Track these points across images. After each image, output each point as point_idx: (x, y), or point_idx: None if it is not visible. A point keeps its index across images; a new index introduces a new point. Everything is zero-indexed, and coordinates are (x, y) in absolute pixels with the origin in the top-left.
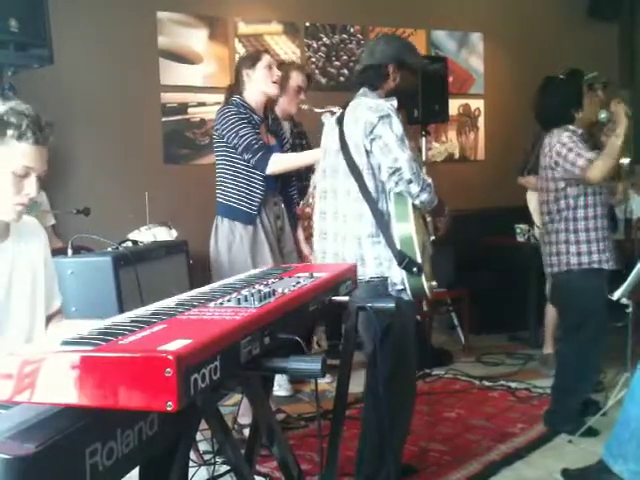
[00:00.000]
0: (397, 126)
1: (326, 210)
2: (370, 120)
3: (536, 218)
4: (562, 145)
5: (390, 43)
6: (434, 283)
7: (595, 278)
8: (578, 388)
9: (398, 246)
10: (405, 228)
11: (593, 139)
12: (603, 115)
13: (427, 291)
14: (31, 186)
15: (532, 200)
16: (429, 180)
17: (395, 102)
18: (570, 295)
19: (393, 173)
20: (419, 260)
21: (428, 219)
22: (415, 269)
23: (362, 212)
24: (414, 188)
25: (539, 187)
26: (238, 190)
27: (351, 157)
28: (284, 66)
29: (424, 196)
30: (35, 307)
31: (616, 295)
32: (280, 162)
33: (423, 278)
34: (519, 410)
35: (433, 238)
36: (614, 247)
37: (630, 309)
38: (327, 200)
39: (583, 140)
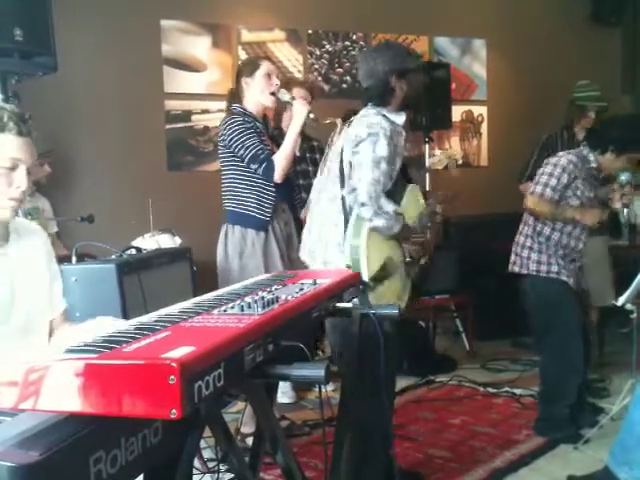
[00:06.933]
0: (381, 147)
1: (314, 207)
2: (360, 134)
3: None
4: (555, 165)
5: (384, 56)
6: (402, 304)
7: (558, 287)
8: (559, 394)
9: (348, 261)
10: (356, 244)
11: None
12: (623, 177)
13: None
14: (21, 178)
15: None
16: (389, 209)
17: (402, 117)
18: (535, 301)
19: (351, 192)
20: (365, 278)
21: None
22: (361, 286)
23: (337, 221)
24: (366, 213)
25: None
26: (250, 197)
27: (342, 166)
28: (284, 84)
29: (378, 222)
30: (38, 309)
31: (620, 301)
32: (280, 161)
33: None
34: (524, 417)
35: (409, 259)
36: (575, 270)
37: (634, 315)
38: (320, 196)
39: (588, 173)
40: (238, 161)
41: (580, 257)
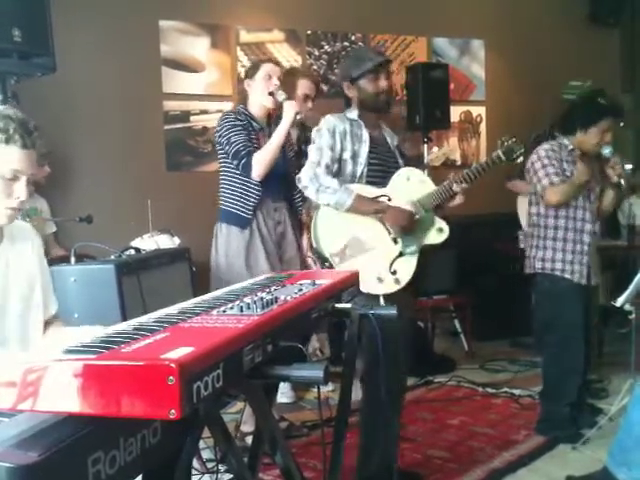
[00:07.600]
0: (324, 137)
1: None
2: (313, 136)
3: (523, 222)
4: (538, 158)
5: (339, 67)
6: (391, 277)
7: (563, 285)
8: (559, 393)
9: (314, 243)
10: (316, 226)
11: (598, 167)
12: (607, 151)
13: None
14: (21, 190)
15: (520, 204)
16: (330, 183)
17: (354, 112)
18: (539, 297)
19: (298, 181)
20: (327, 255)
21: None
22: (327, 264)
23: None
24: (309, 192)
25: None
26: (233, 194)
27: None
28: (290, 74)
29: (324, 199)
30: (31, 311)
31: (619, 301)
32: (260, 160)
33: None
34: (523, 417)
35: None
36: (587, 264)
37: (633, 315)
38: None
39: (571, 157)
40: (226, 158)
41: (589, 248)
